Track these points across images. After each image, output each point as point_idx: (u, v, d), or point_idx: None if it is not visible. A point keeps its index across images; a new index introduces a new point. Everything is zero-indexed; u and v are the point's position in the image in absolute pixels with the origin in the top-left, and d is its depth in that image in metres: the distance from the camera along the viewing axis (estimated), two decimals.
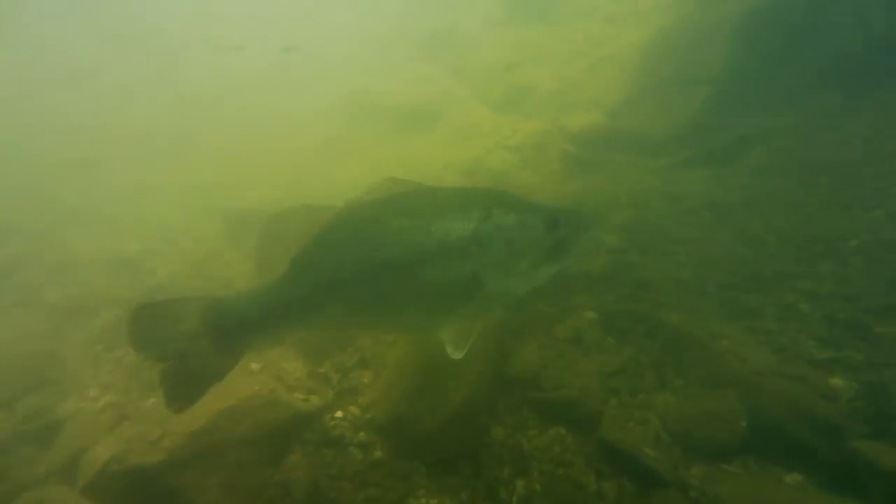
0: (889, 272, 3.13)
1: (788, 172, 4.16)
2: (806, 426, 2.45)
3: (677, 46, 5.27)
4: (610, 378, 3.19)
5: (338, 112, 6.74)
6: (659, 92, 5.02)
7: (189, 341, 2.26)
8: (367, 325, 2.57)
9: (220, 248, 5.09)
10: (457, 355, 2.26)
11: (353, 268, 2.21)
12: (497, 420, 2.93)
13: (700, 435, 2.58)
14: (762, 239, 3.62)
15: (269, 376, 3.20)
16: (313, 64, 7.80)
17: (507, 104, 5.84)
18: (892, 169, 3.82)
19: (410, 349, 3.77)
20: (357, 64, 7.48)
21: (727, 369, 2.85)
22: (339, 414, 3.17)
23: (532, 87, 5.79)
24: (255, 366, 3.38)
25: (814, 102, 4.95)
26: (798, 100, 5.00)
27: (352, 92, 6.80)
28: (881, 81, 4.87)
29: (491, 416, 2.93)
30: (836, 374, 2.66)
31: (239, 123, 7.19)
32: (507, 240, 2.27)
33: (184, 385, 2.25)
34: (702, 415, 2.66)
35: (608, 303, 3.66)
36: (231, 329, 2.26)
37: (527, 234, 2.29)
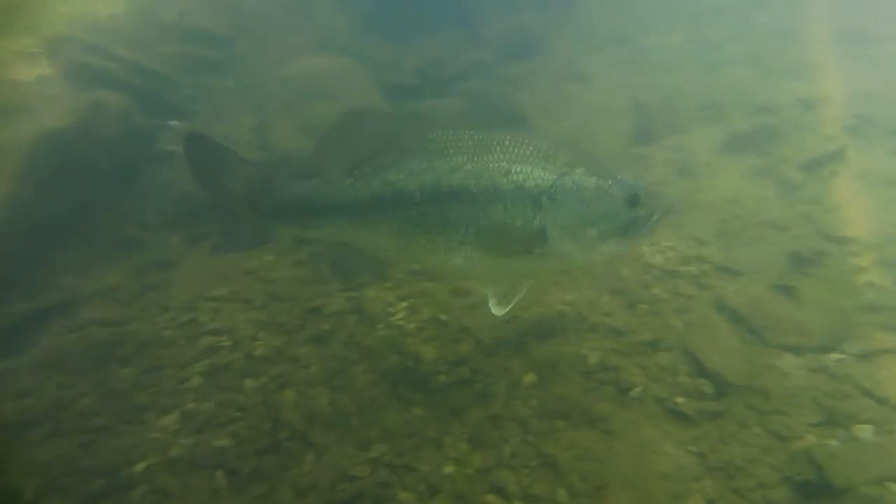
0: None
1: (88, 358, 3.72)
2: None
3: None
4: None
5: None
6: None
7: (232, 197, 2.68)
8: (414, 253, 2.61)
9: None
10: (498, 312, 2.59)
11: (420, 187, 2.46)
12: None
13: None
14: None
15: None
16: None
17: None
18: (199, 347, 3.82)
19: None
20: None
21: None
22: None
23: None
24: None
25: (143, 251, 4.81)
26: (126, 248, 4.76)
27: None
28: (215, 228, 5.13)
29: None
30: None
31: None
32: (582, 202, 2.46)
33: (231, 238, 2.77)
34: None
35: None
36: (269, 211, 2.62)
37: (604, 202, 2.47)
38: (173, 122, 5.76)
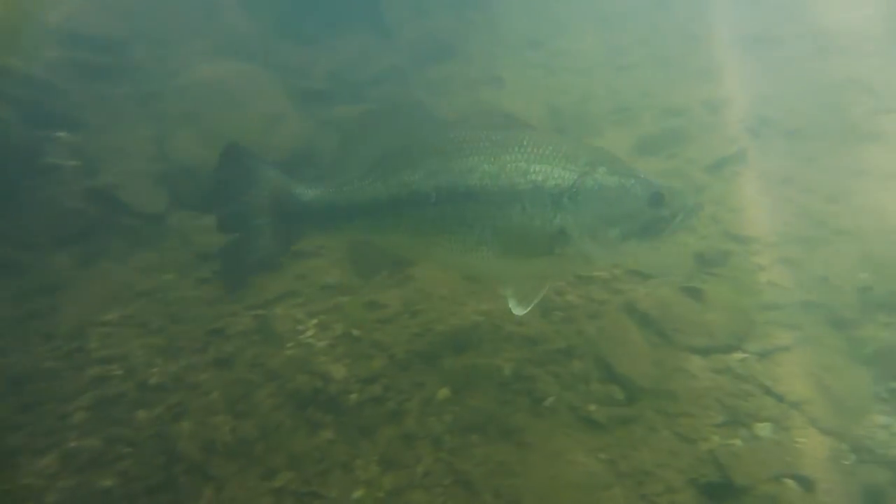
0: None
1: None
2: None
3: None
4: None
5: None
6: None
7: (256, 212, 2.62)
8: (432, 252, 2.63)
9: None
10: (519, 312, 2.56)
11: (436, 188, 2.46)
12: None
13: None
14: None
15: None
16: None
17: None
18: (86, 378, 3.58)
19: None
20: None
21: None
22: None
23: None
24: None
25: (24, 274, 4.47)
26: (5, 271, 4.42)
27: None
28: (109, 246, 4.85)
29: None
30: None
31: None
32: (604, 202, 2.41)
33: (240, 270, 3.03)
34: None
35: None
36: (296, 216, 2.62)
37: (626, 202, 2.42)
38: (60, 133, 5.38)
